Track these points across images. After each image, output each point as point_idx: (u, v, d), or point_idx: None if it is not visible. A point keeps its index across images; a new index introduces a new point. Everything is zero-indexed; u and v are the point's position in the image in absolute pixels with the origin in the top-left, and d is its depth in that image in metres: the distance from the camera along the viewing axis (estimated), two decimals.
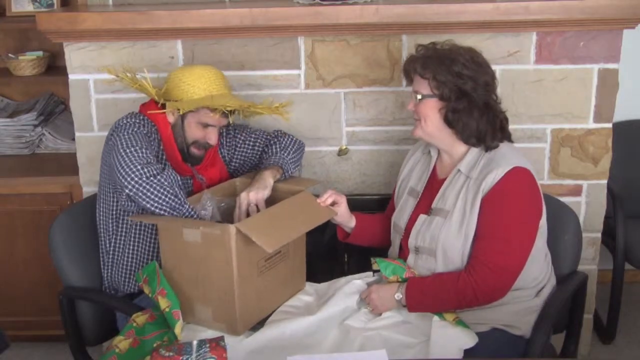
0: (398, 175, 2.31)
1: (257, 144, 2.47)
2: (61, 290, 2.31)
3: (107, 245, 2.33)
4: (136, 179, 2.02)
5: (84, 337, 2.36)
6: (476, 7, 2.41)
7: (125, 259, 2.30)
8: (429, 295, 2.02)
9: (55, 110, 3.30)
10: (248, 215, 2.14)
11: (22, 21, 3.12)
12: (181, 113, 2.22)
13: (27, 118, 3.15)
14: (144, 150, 2.09)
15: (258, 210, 2.15)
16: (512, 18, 2.43)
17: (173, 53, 2.60)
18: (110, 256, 2.33)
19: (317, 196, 2.20)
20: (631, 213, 2.95)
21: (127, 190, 2.03)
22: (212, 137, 2.27)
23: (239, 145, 2.46)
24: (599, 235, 2.75)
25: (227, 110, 2.21)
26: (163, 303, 2.00)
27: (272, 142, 2.45)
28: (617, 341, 3.00)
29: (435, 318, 1.99)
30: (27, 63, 3.15)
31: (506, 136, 2.11)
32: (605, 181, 2.69)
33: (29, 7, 3.18)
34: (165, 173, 2.07)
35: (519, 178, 2.00)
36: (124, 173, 2.04)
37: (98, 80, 2.62)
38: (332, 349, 1.94)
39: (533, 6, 2.40)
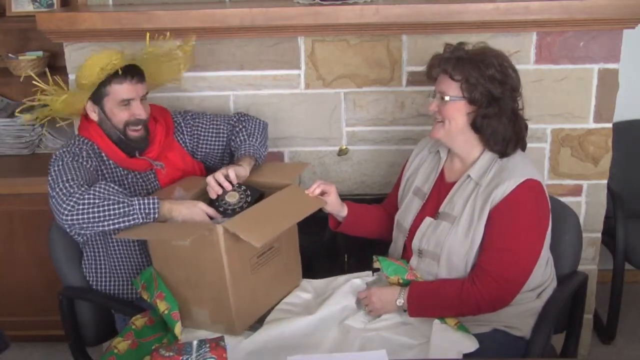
0: (403, 172, 2.28)
1: (221, 131, 2.42)
2: (61, 290, 2.31)
3: (88, 261, 2.32)
4: (67, 217, 2.01)
5: (84, 337, 2.36)
6: (476, 7, 2.41)
7: (110, 274, 2.29)
8: (431, 303, 2.01)
9: None
10: (223, 190, 2.10)
11: (22, 21, 3.12)
12: (78, 97, 2.17)
13: None
14: (66, 184, 2.05)
15: (232, 185, 2.10)
16: (512, 18, 2.43)
17: None
18: (93, 274, 2.32)
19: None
20: (631, 213, 2.95)
21: (70, 230, 2.00)
22: (139, 111, 2.18)
23: (202, 134, 2.41)
24: (599, 235, 2.75)
25: (132, 76, 2.14)
26: (162, 306, 1.99)
27: (237, 128, 2.40)
28: (617, 341, 3.00)
29: (436, 321, 1.98)
30: (27, 63, 3.14)
31: (523, 145, 2.10)
32: (605, 181, 2.69)
33: (29, 7, 3.18)
34: (91, 190, 2.02)
35: (530, 191, 1.98)
36: (57, 219, 2.06)
37: None
38: (332, 349, 1.94)
39: (533, 6, 2.40)
